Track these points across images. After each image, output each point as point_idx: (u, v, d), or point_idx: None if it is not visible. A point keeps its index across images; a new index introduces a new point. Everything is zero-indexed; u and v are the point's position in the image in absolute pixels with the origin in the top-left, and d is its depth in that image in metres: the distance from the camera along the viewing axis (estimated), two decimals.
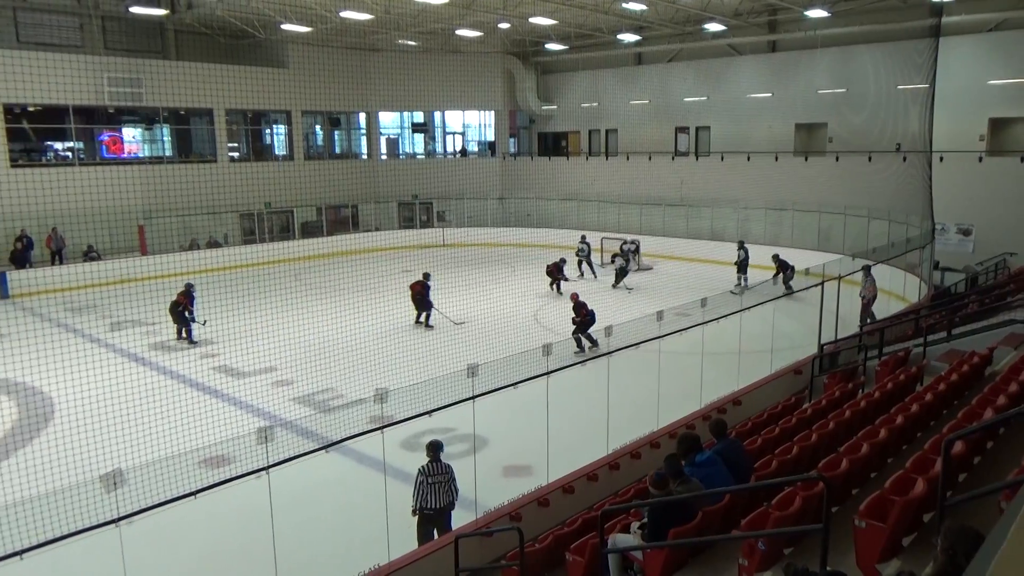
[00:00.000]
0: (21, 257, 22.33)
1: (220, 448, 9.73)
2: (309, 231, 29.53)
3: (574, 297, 15.55)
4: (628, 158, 30.22)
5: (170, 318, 16.37)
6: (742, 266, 21.07)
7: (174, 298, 16.39)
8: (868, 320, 14.84)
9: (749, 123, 27.49)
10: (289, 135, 30.47)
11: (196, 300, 16.69)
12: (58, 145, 26.05)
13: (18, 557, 6.42)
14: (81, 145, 26.10)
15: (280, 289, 20.47)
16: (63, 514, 6.70)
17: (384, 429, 8.42)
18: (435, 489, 7.49)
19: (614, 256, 22.53)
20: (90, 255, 23.52)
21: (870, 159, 23.22)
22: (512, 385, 9.72)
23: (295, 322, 16.25)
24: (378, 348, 14.50)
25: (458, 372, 8.08)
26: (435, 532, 7.63)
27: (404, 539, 7.18)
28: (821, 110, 25.70)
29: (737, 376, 11.24)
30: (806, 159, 25.49)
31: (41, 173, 23.65)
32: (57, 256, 23.24)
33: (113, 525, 5.73)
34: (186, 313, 16.26)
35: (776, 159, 25.89)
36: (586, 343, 14.51)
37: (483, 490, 8.07)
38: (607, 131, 32.36)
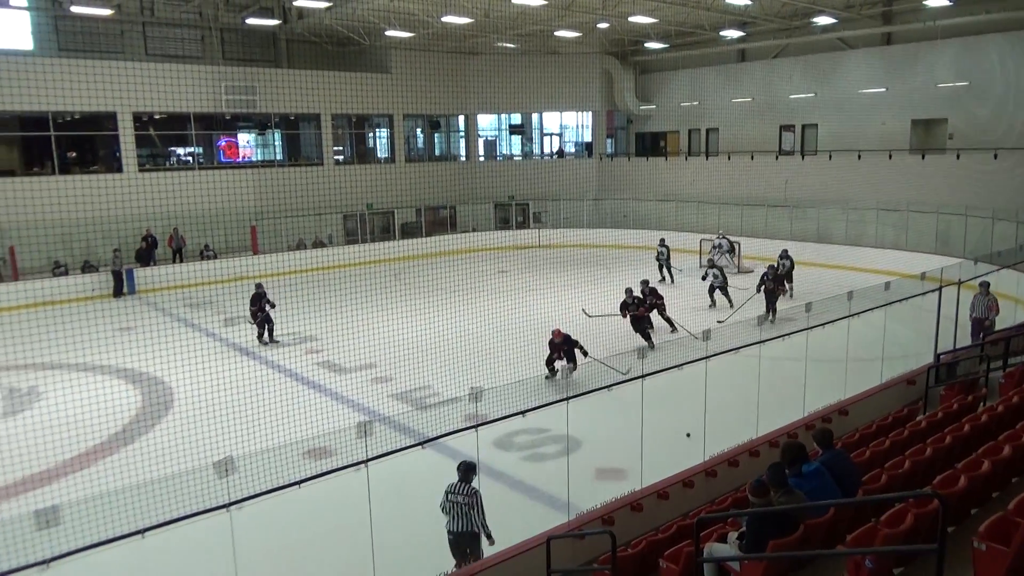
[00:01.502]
0: (146, 255, 23.91)
1: (322, 440, 10.12)
2: (409, 231, 30.27)
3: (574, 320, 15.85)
4: (729, 158, 29.41)
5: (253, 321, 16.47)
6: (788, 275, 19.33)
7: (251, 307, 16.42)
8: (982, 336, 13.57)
9: (860, 120, 26.17)
10: (391, 138, 31.33)
11: (267, 296, 16.56)
12: (180, 150, 27.75)
13: (140, 535, 6.89)
14: (200, 150, 27.72)
15: (381, 288, 21.07)
16: (181, 497, 7.13)
17: (478, 427, 8.53)
18: (452, 509, 7.04)
19: (705, 272, 19.40)
20: (206, 254, 24.94)
21: (995, 156, 21.67)
22: (606, 388, 9.68)
23: (394, 320, 16.68)
24: (473, 347, 14.71)
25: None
26: (468, 557, 7.12)
27: (497, 535, 7.23)
28: (940, 105, 24.17)
29: (844, 384, 10.73)
30: (923, 157, 24.04)
31: (165, 177, 25.30)
32: (178, 254, 24.77)
33: (224, 510, 6.04)
34: (258, 315, 16.29)
35: (890, 157, 24.56)
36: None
37: (576, 492, 8.04)
38: (707, 130, 31.58)
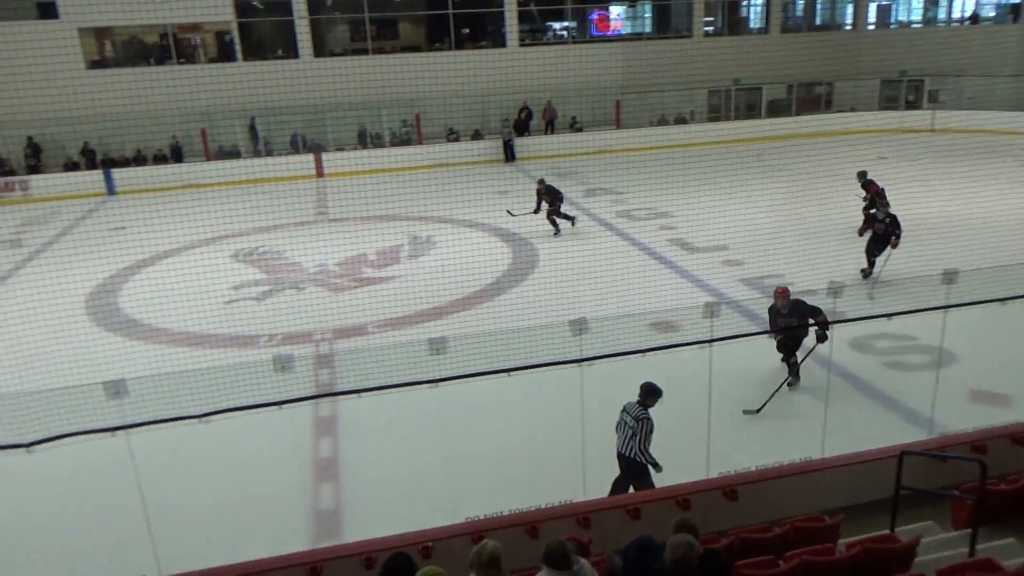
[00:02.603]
0: (523, 126, 25.93)
1: (669, 315, 10.42)
2: (776, 110, 28.27)
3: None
4: None
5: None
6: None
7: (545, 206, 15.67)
8: None
9: None
10: (767, 6, 28.93)
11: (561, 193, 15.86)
12: (556, 25, 28.93)
13: (506, 374, 7.89)
14: (575, 24, 28.58)
15: (740, 169, 20.28)
16: (539, 346, 7.97)
17: (832, 325, 8.02)
18: (620, 428, 6.54)
19: None
20: (575, 126, 26.21)
21: None
22: (998, 300, 8.32)
23: (751, 204, 16.06)
24: (836, 238, 13.59)
25: (930, 276, 7.17)
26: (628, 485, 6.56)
27: (840, 438, 6.88)
28: None
29: None
30: None
31: (542, 51, 26.74)
32: (549, 126, 26.44)
33: (576, 365, 6.61)
34: (555, 211, 15.62)
35: None
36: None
37: (942, 411, 7.24)
38: None
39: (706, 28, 29.00)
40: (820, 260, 11.81)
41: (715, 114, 27.95)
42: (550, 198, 15.64)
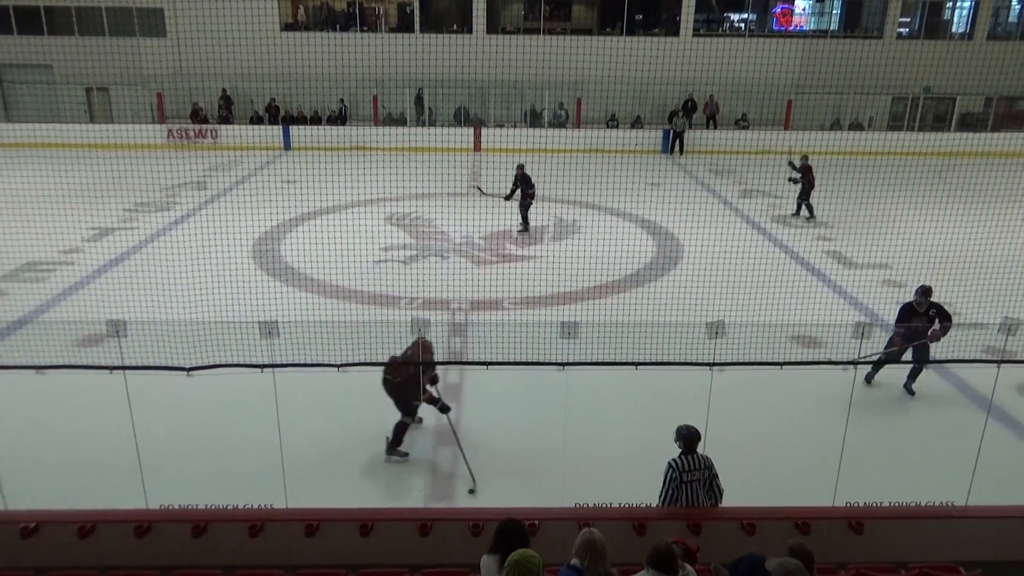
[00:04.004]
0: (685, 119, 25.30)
1: (813, 329, 9.89)
2: (969, 124, 25.87)
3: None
4: None
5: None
6: None
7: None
8: None
9: None
10: (974, 9, 26.42)
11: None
12: (735, 16, 27.85)
13: (634, 367, 7.80)
14: (754, 16, 27.40)
15: (917, 184, 18.77)
16: (669, 344, 7.82)
17: (1000, 364, 7.31)
18: (693, 488, 5.57)
19: None
20: (741, 123, 25.22)
21: None
22: None
23: (924, 222, 14.84)
24: (1020, 271, 12.31)
25: None
26: None
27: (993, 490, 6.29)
28: None
29: None
30: None
31: (715, 42, 25.87)
32: (711, 121, 25.61)
33: (707, 367, 6.43)
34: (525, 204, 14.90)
35: None
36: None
37: None
38: None
39: (900, 29, 26.92)
40: (996, 292, 10.76)
41: (897, 123, 25.98)
42: (524, 187, 14.73)
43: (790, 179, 16.17)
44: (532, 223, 15.17)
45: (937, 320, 8.43)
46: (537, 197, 15.10)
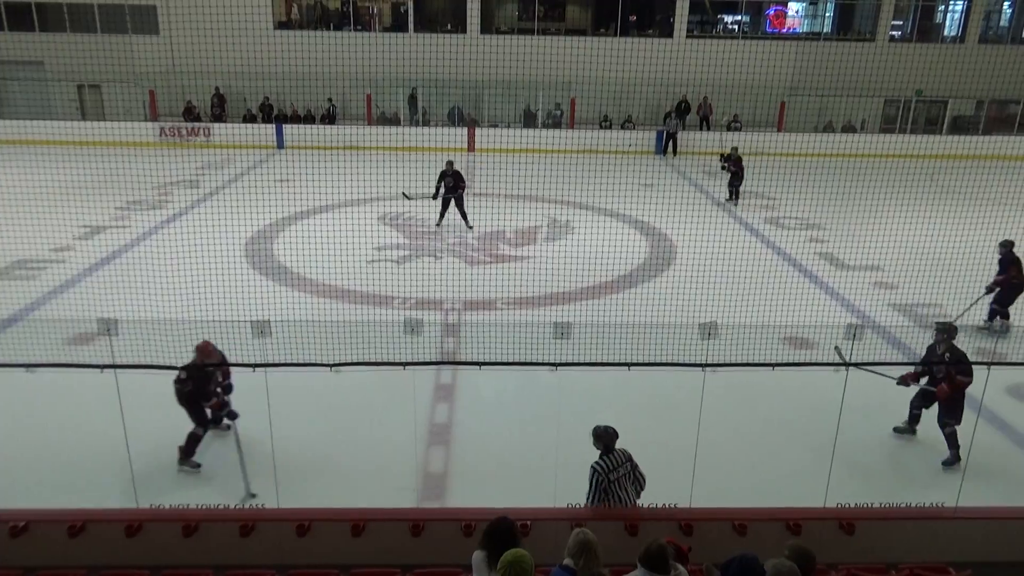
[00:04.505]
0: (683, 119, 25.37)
1: (805, 331, 9.93)
2: (960, 127, 26.03)
3: None
4: None
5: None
6: None
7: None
8: None
9: None
10: (965, 13, 26.57)
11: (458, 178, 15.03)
12: (728, 18, 27.92)
13: (626, 367, 7.81)
14: (748, 18, 27.48)
15: (908, 186, 18.86)
16: (661, 345, 7.83)
17: (991, 366, 7.36)
18: (620, 484, 5.63)
19: None
20: (733, 125, 25.29)
21: None
22: None
23: (916, 225, 14.92)
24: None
25: None
26: None
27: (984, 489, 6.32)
28: None
29: None
30: None
31: (709, 44, 25.93)
32: (704, 122, 25.68)
33: (700, 369, 6.44)
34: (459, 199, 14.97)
35: None
36: None
37: None
38: None
39: (892, 32, 27.06)
40: (987, 295, 10.82)
41: (889, 126, 26.11)
42: (455, 183, 14.76)
43: (723, 167, 18.66)
44: (469, 215, 15.08)
45: (950, 372, 7.13)
46: (533, 197, 15.10)
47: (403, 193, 16.09)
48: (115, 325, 5.70)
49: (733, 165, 18.16)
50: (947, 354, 7.18)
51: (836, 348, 7.03)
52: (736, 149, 18.59)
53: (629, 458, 5.74)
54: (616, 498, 5.65)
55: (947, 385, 7.06)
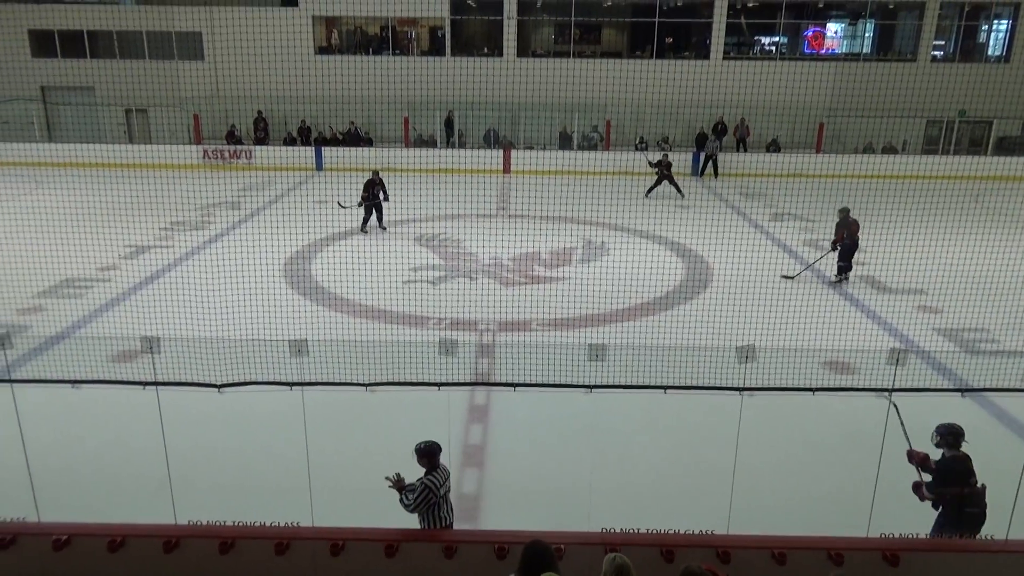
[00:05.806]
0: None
1: (847, 355, 9.72)
2: (1007, 148, 25.45)
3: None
4: None
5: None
6: None
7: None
8: None
9: None
10: (1010, 32, 26.09)
11: (382, 185, 16.15)
12: (765, 39, 27.80)
13: (662, 391, 7.72)
14: (785, 39, 27.33)
15: (953, 208, 18.47)
16: (698, 368, 7.73)
17: None
18: (447, 500, 5.73)
19: None
20: (771, 147, 25.08)
21: None
22: None
23: (961, 248, 14.60)
24: None
25: None
26: None
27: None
28: None
29: None
30: None
31: (746, 65, 25.83)
32: (741, 144, 25.50)
33: (737, 392, 6.35)
34: (367, 200, 16.08)
35: None
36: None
37: None
38: None
39: (934, 52, 26.67)
40: None
41: (931, 147, 25.66)
42: (382, 192, 15.91)
43: (649, 163, 20.70)
44: (386, 222, 16.46)
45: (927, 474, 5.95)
46: (568, 218, 15.10)
47: (339, 203, 16.54)
48: (157, 343, 5.81)
49: (665, 169, 20.23)
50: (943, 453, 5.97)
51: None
52: (666, 155, 21.03)
53: (449, 474, 5.69)
54: (440, 519, 5.63)
55: (924, 490, 5.95)
